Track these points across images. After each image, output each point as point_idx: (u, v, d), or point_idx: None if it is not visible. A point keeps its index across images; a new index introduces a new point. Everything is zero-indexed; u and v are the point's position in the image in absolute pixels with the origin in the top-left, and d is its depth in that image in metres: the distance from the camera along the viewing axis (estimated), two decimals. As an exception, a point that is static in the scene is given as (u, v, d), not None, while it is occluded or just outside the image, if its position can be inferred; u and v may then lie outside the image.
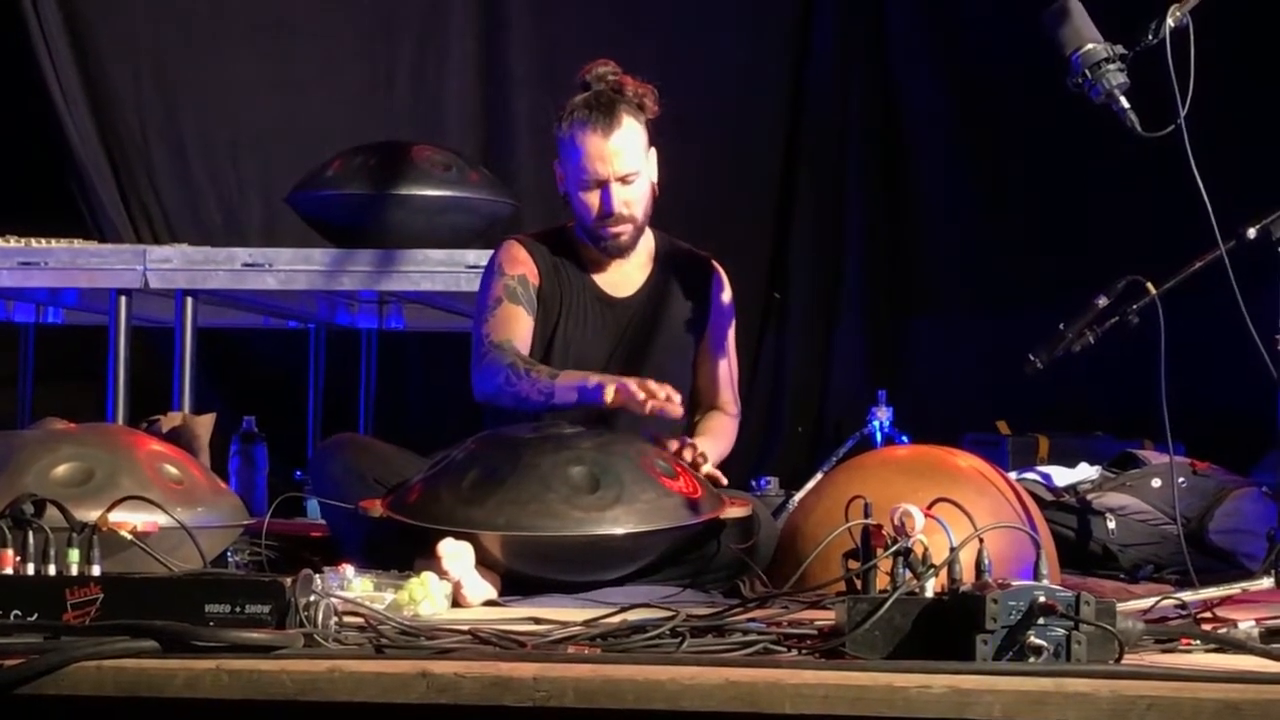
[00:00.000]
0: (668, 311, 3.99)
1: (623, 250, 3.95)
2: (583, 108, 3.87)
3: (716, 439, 3.93)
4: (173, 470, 3.34)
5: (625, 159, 3.86)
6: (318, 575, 2.59)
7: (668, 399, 3.62)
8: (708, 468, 3.67)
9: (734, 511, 3.52)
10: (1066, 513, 4.12)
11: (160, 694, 2.31)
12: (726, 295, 4.05)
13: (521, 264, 3.96)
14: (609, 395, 3.64)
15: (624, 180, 3.87)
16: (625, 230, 3.91)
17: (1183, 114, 3.30)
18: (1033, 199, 5.99)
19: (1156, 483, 4.14)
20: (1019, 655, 2.38)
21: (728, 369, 4.02)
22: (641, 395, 3.61)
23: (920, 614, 2.47)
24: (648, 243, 4.02)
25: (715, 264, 4.07)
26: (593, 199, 3.89)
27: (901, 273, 6.14)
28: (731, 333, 4.06)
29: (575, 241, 3.99)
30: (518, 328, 3.90)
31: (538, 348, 3.92)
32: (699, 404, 4.02)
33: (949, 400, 5.89)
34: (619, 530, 3.37)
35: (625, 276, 4.00)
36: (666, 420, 3.72)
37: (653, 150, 3.95)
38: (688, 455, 3.65)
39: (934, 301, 6.09)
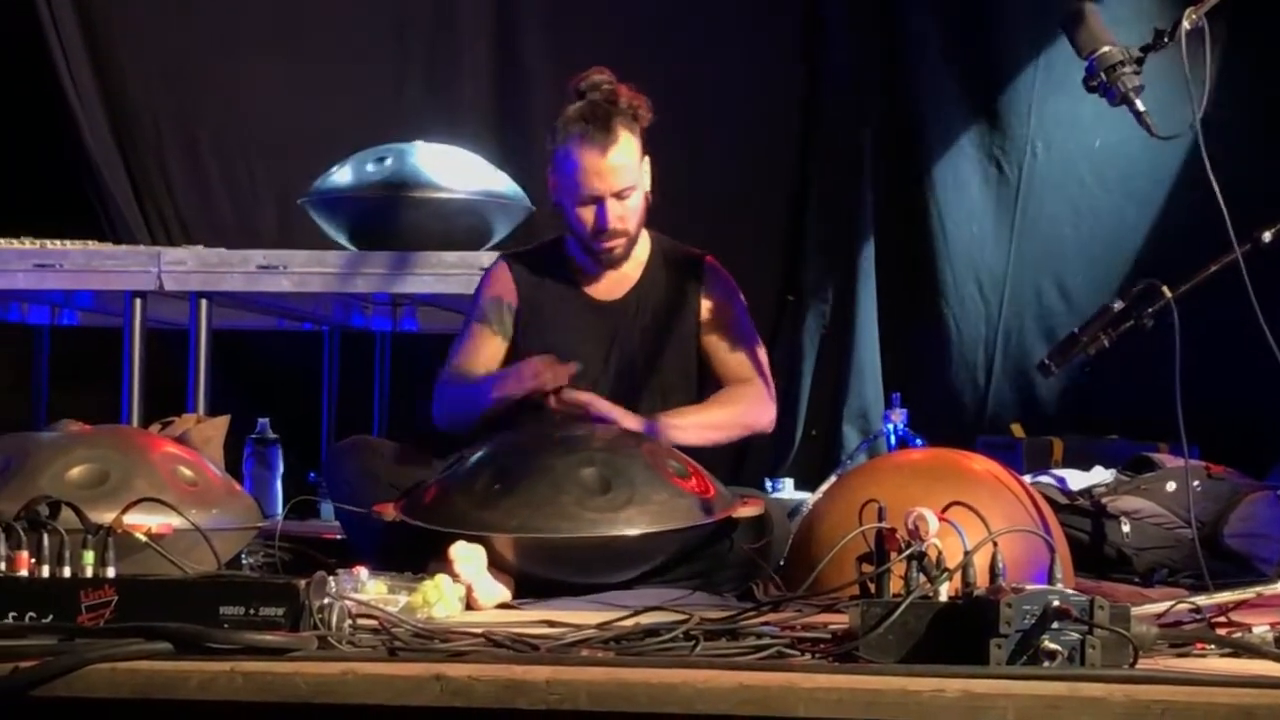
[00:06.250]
0: (662, 311, 3.98)
1: (616, 262, 3.96)
2: (578, 121, 3.84)
3: (714, 403, 3.91)
4: (187, 472, 3.34)
5: (622, 175, 3.85)
6: (332, 578, 2.59)
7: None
8: (579, 397, 3.74)
9: (746, 511, 3.52)
10: (1081, 516, 4.10)
11: (174, 696, 2.31)
12: (723, 283, 4.01)
13: (499, 286, 4.01)
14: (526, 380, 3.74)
15: (619, 196, 3.87)
16: (619, 244, 3.92)
17: (1198, 117, 3.28)
18: (1046, 201, 5.97)
19: (1171, 486, 4.13)
20: (1033, 659, 2.37)
21: (744, 350, 3.96)
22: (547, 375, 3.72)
23: (934, 618, 2.47)
24: (642, 246, 4.02)
25: (709, 258, 4.04)
26: (588, 214, 3.88)
27: (916, 275, 6.13)
28: (742, 317, 4.01)
29: (565, 252, 3.99)
30: (483, 351, 3.98)
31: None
32: None
33: (963, 403, 5.87)
34: (632, 531, 3.37)
35: (616, 281, 4.01)
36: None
37: (646, 159, 3.93)
38: (552, 402, 3.72)
39: (948, 304, 6.07)
